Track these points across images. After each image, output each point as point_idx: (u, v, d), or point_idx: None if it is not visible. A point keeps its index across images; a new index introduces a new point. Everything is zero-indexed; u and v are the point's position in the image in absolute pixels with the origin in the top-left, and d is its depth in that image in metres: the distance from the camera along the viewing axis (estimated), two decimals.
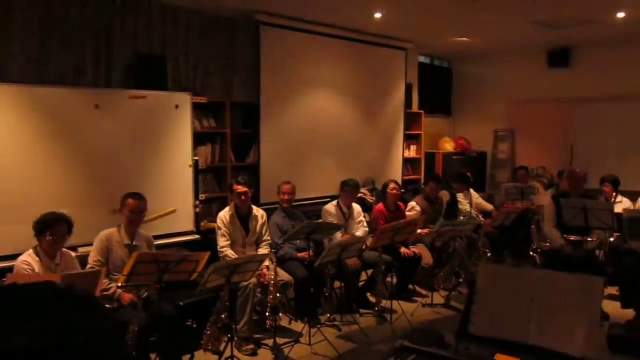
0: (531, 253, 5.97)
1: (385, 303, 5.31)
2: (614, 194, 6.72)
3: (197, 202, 5.49)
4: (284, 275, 4.82)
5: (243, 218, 5.00)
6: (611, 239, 6.05)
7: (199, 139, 5.76)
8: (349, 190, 5.73)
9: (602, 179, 6.83)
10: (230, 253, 4.74)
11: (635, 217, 4.82)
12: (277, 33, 6.47)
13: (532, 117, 9.12)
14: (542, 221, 6.22)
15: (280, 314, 4.51)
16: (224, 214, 4.91)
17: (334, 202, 5.80)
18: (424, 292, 6.04)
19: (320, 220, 5.57)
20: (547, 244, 5.67)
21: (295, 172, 6.41)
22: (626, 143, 8.14)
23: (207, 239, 5.35)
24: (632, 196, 6.73)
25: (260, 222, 5.09)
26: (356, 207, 5.91)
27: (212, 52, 6.16)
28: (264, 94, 6.35)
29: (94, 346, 0.64)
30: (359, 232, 5.71)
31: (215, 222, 5.04)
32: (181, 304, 4.33)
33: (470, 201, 7.29)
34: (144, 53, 5.56)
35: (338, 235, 5.43)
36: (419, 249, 5.99)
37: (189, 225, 5.42)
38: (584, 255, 5.28)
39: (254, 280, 4.46)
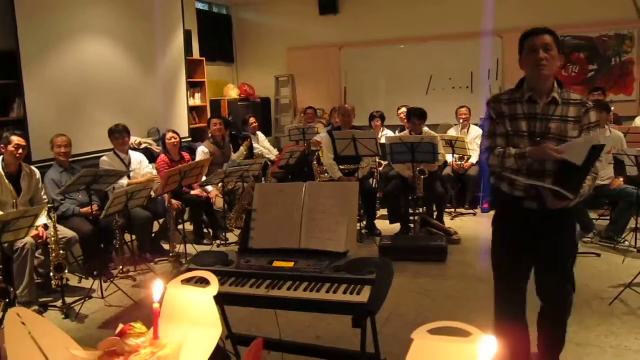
0: None
1: (180, 248, 5.34)
2: (381, 128, 7.56)
3: None
4: (66, 232, 4.54)
5: (13, 177, 4.56)
6: (380, 168, 6.86)
7: None
8: (118, 136, 5.51)
9: (372, 116, 7.62)
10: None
11: (395, 143, 5.49)
12: None
13: (309, 63, 9.67)
14: (323, 156, 6.77)
15: (66, 272, 4.30)
16: None
17: (110, 153, 5.57)
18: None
19: (101, 168, 5.31)
20: (326, 174, 6.20)
21: (71, 125, 5.95)
22: (392, 83, 9.10)
23: None
24: (394, 130, 7.61)
25: (33, 180, 4.69)
26: (134, 154, 5.74)
27: None
28: (24, 41, 5.70)
29: None
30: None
31: None
32: None
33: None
34: None
35: (124, 184, 5.26)
36: (212, 194, 6.11)
37: None
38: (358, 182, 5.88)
39: (30, 240, 4.14)
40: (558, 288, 2.65)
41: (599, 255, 5.02)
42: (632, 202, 5.09)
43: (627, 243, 5.25)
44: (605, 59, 7.90)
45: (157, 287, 0.94)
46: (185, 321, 1.01)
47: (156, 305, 0.92)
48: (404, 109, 7.34)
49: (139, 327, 0.98)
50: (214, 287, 1.08)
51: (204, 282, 1.18)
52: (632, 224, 5.32)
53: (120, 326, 0.98)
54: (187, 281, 1.19)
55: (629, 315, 3.78)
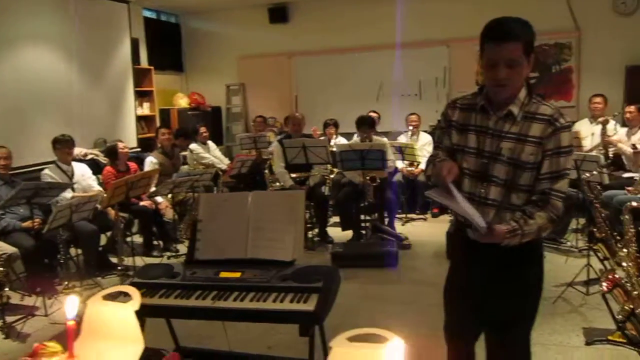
0: None
1: (128, 261, 5.22)
2: (335, 135, 7.61)
3: None
4: (7, 248, 4.37)
5: None
6: (332, 176, 6.89)
7: None
8: (62, 146, 5.34)
9: (326, 123, 7.66)
10: None
11: (345, 150, 5.53)
12: None
13: (260, 71, 9.65)
14: (274, 164, 6.75)
15: (7, 290, 4.13)
16: None
17: (51, 165, 5.40)
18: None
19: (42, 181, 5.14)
20: (278, 183, 6.19)
21: (11, 136, 5.73)
22: (342, 90, 9.16)
23: None
24: (349, 137, 7.66)
25: None
26: (78, 165, 5.58)
27: None
28: None
29: None
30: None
31: None
32: None
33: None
34: None
35: (67, 197, 5.10)
36: (162, 205, 6.00)
37: None
38: (309, 190, 5.89)
39: None
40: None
41: (543, 256, 5.17)
42: (573, 204, 5.28)
43: (569, 243, 5.44)
44: (546, 66, 8.19)
45: (70, 304, 0.92)
46: (105, 338, 0.99)
47: (70, 323, 0.90)
48: (373, 114, 7.48)
49: (52, 345, 0.95)
50: (136, 302, 1.05)
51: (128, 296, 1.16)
52: (573, 224, 5.52)
53: (35, 345, 0.95)
54: (110, 296, 1.16)
55: (571, 313, 3.92)
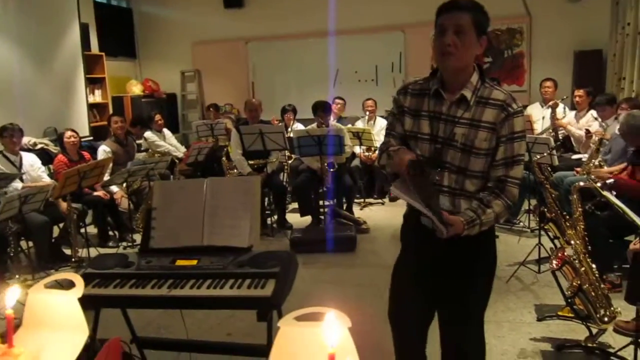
0: None
1: (82, 252, 5.10)
2: (292, 121, 7.59)
3: None
4: None
5: None
6: (290, 161, 6.88)
7: None
8: (8, 134, 5.15)
9: (284, 109, 7.64)
10: None
11: (302, 137, 5.52)
12: None
13: (215, 57, 9.51)
14: (231, 151, 6.68)
15: None
16: None
17: None
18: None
19: None
20: (235, 170, 6.13)
21: None
22: (299, 76, 9.13)
23: None
24: (306, 123, 7.65)
25: None
26: (26, 155, 5.40)
27: None
28: None
29: None
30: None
31: None
32: None
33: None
34: None
35: (18, 187, 4.94)
36: (117, 195, 5.87)
37: None
38: (267, 177, 5.86)
39: None
40: (461, 343, 2.10)
41: (497, 236, 5.30)
42: (525, 185, 5.41)
43: (521, 224, 5.60)
44: (498, 51, 8.35)
45: (10, 293, 0.89)
46: (47, 327, 0.96)
47: (9, 312, 0.87)
48: (339, 100, 7.50)
49: None
50: (78, 289, 1.03)
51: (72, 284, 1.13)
52: (525, 205, 5.68)
53: None
54: (53, 284, 1.13)
55: (524, 290, 4.05)
